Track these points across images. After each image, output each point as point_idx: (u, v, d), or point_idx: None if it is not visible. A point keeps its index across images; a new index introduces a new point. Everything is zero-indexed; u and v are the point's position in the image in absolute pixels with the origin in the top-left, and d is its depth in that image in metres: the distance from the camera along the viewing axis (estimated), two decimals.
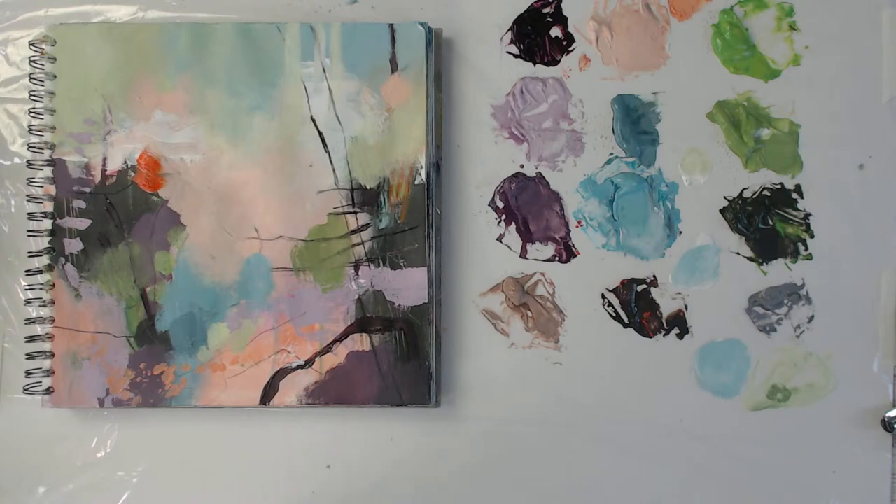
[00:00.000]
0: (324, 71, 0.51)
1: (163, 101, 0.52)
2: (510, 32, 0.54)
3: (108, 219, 0.51)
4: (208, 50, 0.51)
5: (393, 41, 0.51)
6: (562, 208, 0.54)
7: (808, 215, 0.54)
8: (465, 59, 0.54)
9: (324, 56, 0.51)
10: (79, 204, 0.51)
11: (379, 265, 0.51)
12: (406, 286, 0.51)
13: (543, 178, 0.54)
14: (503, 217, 0.54)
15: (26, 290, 0.52)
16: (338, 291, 0.51)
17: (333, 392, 0.51)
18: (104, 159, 0.52)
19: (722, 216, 0.54)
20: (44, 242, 0.51)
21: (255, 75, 0.51)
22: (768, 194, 0.54)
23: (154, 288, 0.51)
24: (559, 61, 0.54)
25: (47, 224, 0.51)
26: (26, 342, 0.51)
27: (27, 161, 0.51)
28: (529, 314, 0.53)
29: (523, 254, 0.54)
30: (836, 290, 0.53)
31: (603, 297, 0.53)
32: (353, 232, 0.51)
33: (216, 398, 0.51)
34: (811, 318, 0.53)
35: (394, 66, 0.51)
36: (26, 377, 0.50)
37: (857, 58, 0.54)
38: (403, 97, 0.51)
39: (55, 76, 0.52)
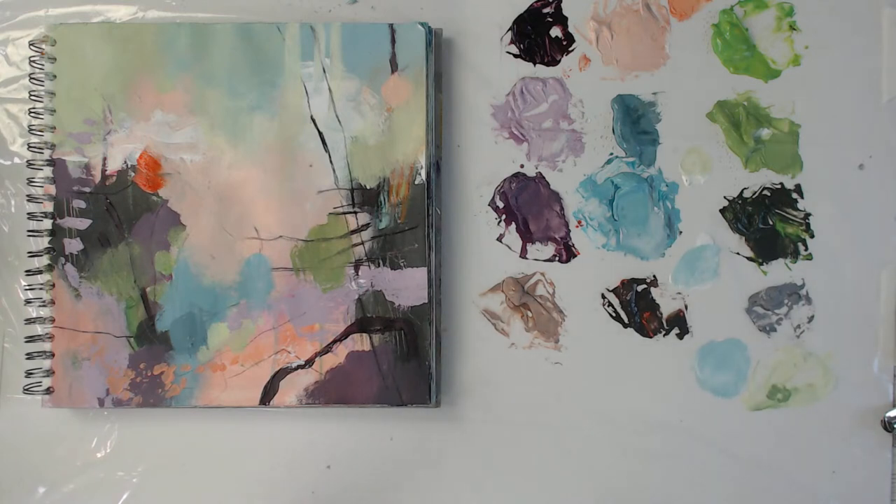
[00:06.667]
0: (324, 71, 0.51)
1: (163, 101, 0.52)
2: (510, 32, 0.54)
3: (108, 219, 0.51)
4: (208, 50, 0.51)
5: (393, 41, 0.51)
6: (562, 208, 0.54)
7: (808, 215, 0.54)
8: (465, 59, 0.54)
9: (324, 56, 0.51)
10: (79, 204, 0.51)
11: (379, 265, 0.51)
12: (406, 286, 0.51)
13: (543, 178, 0.54)
14: (503, 217, 0.54)
15: (26, 290, 0.52)
16: (338, 291, 0.51)
17: (333, 392, 0.51)
18: (104, 159, 0.52)
19: (722, 216, 0.54)
20: (44, 242, 0.51)
21: (255, 75, 0.51)
22: (768, 194, 0.54)
23: (154, 288, 0.51)
24: (559, 61, 0.54)
25: (47, 224, 0.51)
26: (26, 342, 0.51)
27: (27, 161, 0.51)
28: (529, 314, 0.53)
29: (523, 254, 0.54)
30: (836, 290, 0.53)
31: (603, 297, 0.53)
32: (353, 232, 0.51)
33: (216, 398, 0.51)
34: (811, 318, 0.53)
35: (394, 66, 0.51)
36: (26, 377, 0.50)
37: (857, 58, 0.54)
38: (403, 97, 0.51)
39: (55, 76, 0.52)
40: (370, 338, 0.51)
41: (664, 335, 0.53)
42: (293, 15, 0.54)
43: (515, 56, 0.54)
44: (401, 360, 0.51)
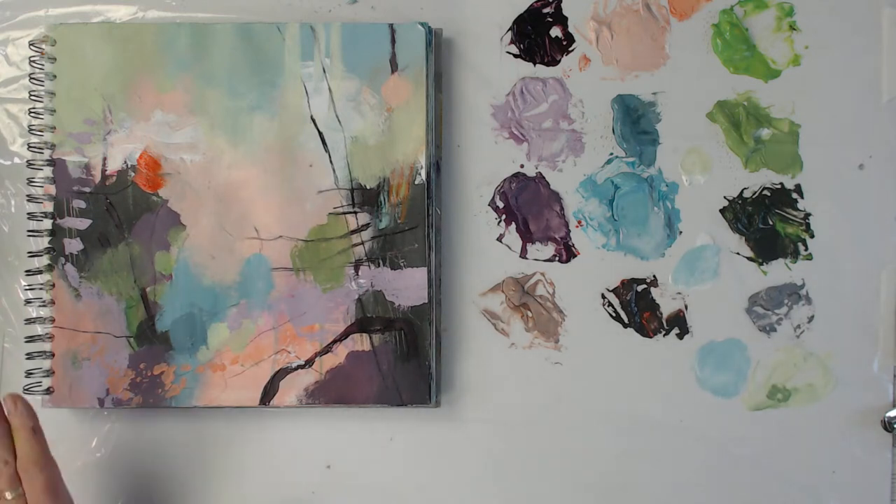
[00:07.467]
0: (324, 71, 0.51)
1: (163, 101, 0.52)
2: (510, 32, 0.54)
3: (108, 219, 0.51)
4: (208, 50, 0.51)
5: (393, 41, 0.51)
6: (562, 208, 0.54)
7: (808, 215, 0.54)
8: (465, 59, 0.54)
9: (324, 56, 0.51)
10: (79, 204, 0.51)
11: (379, 265, 0.51)
12: (406, 286, 0.51)
13: (543, 178, 0.54)
14: (503, 217, 0.54)
15: (26, 290, 0.52)
16: (338, 291, 0.51)
17: (333, 392, 0.51)
18: (104, 159, 0.52)
19: (722, 216, 0.54)
20: (44, 242, 0.51)
21: (255, 75, 0.51)
22: (768, 194, 0.54)
23: (154, 288, 0.51)
24: (559, 61, 0.54)
25: (47, 224, 0.51)
26: (26, 342, 0.51)
27: (27, 161, 0.51)
28: (529, 314, 0.53)
29: (523, 254, 0.54)
30: (836, 290, 0.53)
31: (603, 297, 0.53)
32: (353, 232, 0.51)
33: (216, 398, 0.51)
34: (811, 318, 0.53)
35: (394, 66, 0.51)
36: (26, 377, 0.50)
37: (857, 58, 0.54)
38: (403, 97, 0.51)
39: (55, 76, 0.52)
40: (370, 338, 0.51)
41: (664, 335, 0.53)
42: (293, 15, 0.54)
43: (515, 56, 0.54)
44: (401, 360, 0.51)
